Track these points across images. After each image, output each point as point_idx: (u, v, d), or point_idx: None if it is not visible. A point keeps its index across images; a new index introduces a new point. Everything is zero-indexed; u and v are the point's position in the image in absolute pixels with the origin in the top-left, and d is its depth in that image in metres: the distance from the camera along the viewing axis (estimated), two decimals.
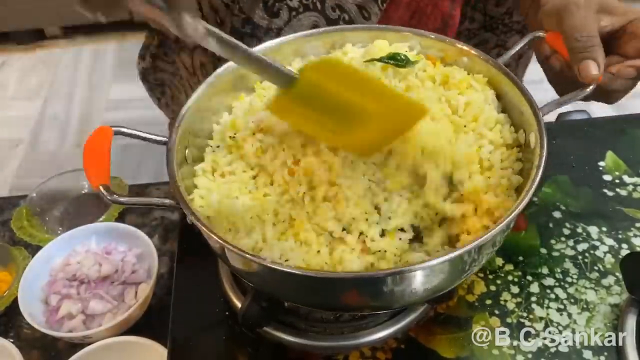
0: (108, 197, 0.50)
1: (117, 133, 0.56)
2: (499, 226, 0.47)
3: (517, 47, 0.66)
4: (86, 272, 0.79)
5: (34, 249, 0.83)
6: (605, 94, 0.65)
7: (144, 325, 0.76)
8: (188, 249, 0.68)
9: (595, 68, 0.60)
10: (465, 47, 0.65)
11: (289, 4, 0.79)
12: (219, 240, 0.47)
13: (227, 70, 0.63)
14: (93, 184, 0.51)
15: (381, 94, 0.54)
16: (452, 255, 0.46)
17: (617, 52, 0.65)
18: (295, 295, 0.53)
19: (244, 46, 0.47)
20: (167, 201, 0.52)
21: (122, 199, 0.51)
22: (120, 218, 0.90)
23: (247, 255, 0.47)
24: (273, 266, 0.46)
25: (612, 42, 0.65)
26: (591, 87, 0.61)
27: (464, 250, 0.46)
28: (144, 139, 0.57)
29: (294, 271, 0.46)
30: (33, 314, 0.74)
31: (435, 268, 0.47)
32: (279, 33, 0.81)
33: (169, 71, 0.99)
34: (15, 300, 0.75)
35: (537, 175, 0.51)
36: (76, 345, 0.73)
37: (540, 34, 0.67)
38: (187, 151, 0.58)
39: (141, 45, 1.01)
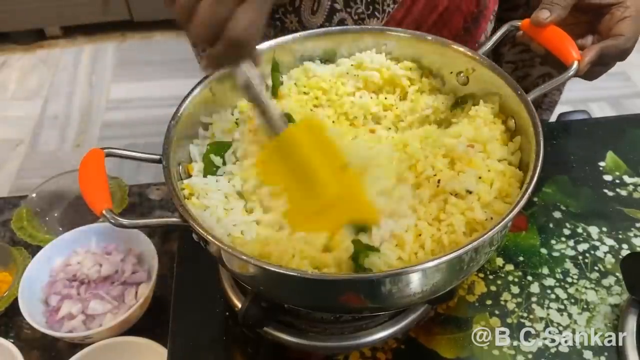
0: (112, 221, 0.50)
1: (108, 155, 0.55)
2: (497, 226, 0.47)
3: (495, 38, 0.67)
4: (86, 272, 0.79)
5: (34, 250, 0.83)
6: (585, 72, 0.67)
7: (144, 325, 0.76)
8: (188, 249, 0.68)
9: (546, 14, 0.64)
10: (455, 45, 0.65)
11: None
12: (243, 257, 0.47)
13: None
14: (96, 210, 0.50)
15: (347, 179, 0.55)
16: (450, 255, 0.45)
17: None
18: (294, 297, 0.53)
19: (266, 99, 0.53)
20: (174, 219, 0.51)
21: (126, 222, 0.50)
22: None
23: (244, 257, 0.47)
24: (273, 269, 0.46)
25: (598, 16, 0.67)
26: (573, 67, 0.61)
27: (462, 250, 0.46)
28: (136, 158, 0.57)
29: (292, 273, 0.46)
30: (33, 314, 0.74)
31: (433, 269, 0.47)
32: None
33: None
34: (16, 301, 0.75)
35: (535, 171, 0.51)
36: (76, 346, 0.73)
37: (517, 23, 0.68)
38: (179, 167, 0.59)
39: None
